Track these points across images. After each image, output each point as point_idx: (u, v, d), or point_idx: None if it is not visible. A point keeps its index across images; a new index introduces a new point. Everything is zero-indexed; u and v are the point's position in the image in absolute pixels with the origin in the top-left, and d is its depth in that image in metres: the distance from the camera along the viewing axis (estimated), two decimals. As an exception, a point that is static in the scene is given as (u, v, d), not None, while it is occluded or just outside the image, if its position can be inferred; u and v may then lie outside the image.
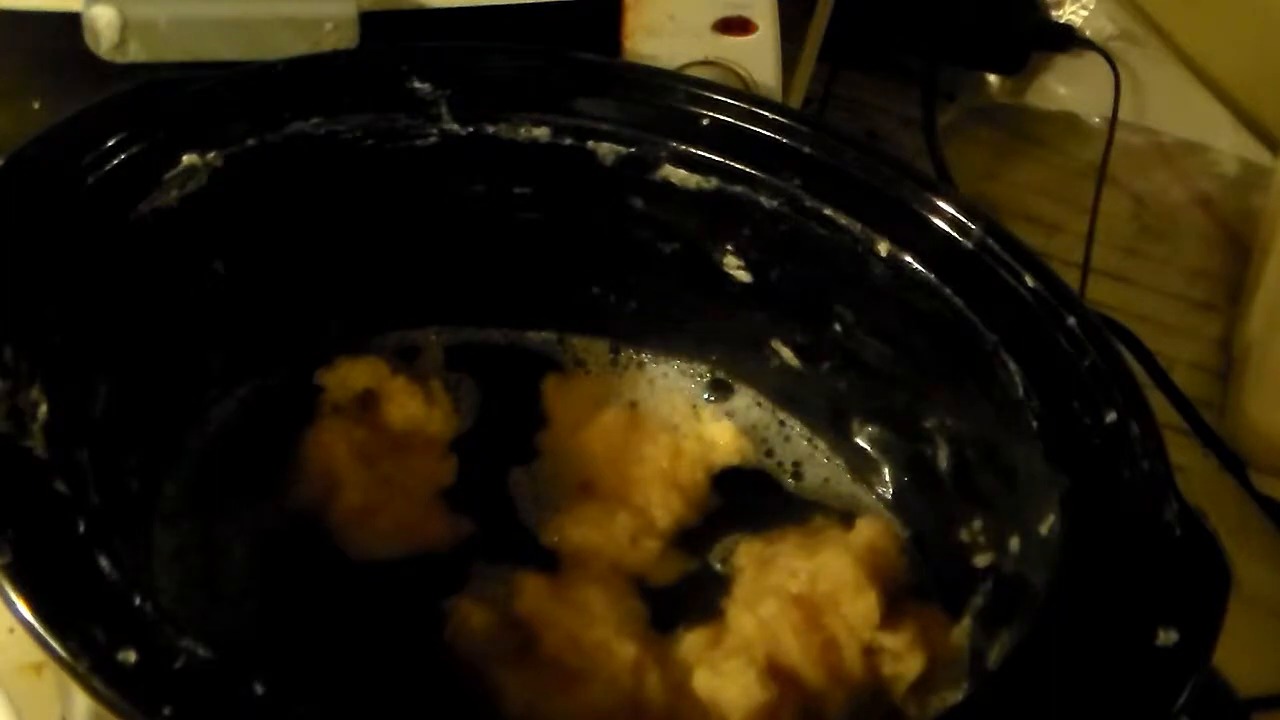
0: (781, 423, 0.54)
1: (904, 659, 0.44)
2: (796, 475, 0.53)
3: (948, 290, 0.47)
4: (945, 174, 0.76)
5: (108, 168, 0.43)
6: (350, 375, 0.50)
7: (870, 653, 0.44)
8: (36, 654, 0.33)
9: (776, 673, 0.44)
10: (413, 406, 0.50)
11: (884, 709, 0.45)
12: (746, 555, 0.48)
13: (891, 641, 0.44)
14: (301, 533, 0.47)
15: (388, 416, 0.50)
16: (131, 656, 0.31)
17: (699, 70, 0.57)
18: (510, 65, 0.51)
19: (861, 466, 0.53)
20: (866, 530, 0.47)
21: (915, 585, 0.48)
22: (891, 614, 0.45)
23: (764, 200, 0.50)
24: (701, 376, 0.55)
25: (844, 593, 0.45)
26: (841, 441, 0.53)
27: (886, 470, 0.52)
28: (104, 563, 0.33)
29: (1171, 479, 0.41)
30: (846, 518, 0.50)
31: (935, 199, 0.49)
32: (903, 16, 0.81)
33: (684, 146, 0.50)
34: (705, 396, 0.55)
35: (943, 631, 0.45)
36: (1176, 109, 0.83)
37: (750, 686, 0.43)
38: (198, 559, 0.45)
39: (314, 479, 0.48)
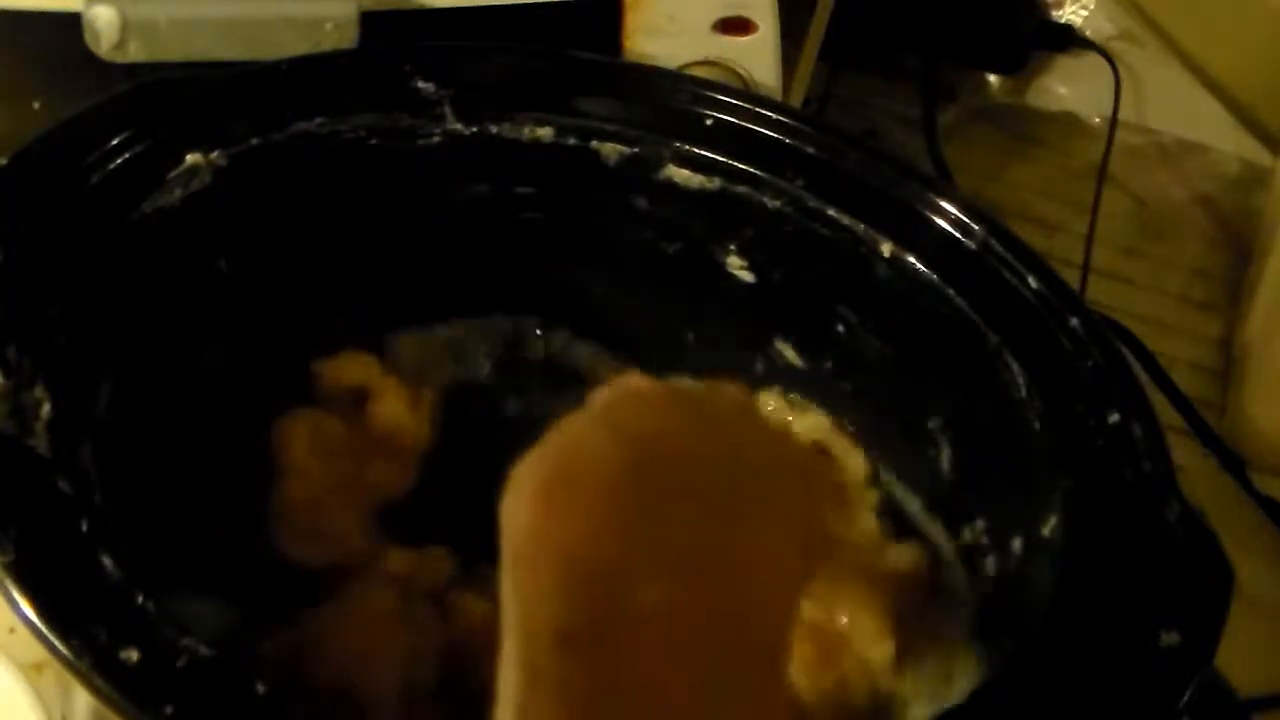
0: (787, 420, 0.54)
1: (913, 705, 0.44)
2: (801, 473, 0.53)
3: (950, 291, 0.47)
4: (945, 174, 0.76)
5: (111, 167, 0.43)
6: (345, 369, 0.50)
7: (878, 691, 0.44)
8: (38, 653, 0.33)
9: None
10: (398, 408, 0.50)
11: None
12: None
13: (903, 687, 0.44)
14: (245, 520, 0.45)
15: (371, 415, 0.50)
16: (133, 655, 0.31)
17: (699, 70, 0.57)
18: (514, 65, 0.51)
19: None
20: (893, 558, 0.47)
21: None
22: (905, 653, 0.44)
23: (767, 200, 0.50)
24: (705, 375, 0.55)
25: (861, 632, 0.44)
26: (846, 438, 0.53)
27: (892, 468, 0.52)
28: (106, 562, 0.33)
29: (1174, 480, 0.41)
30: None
31: (938, 200, 0.49)
32: (903, 16, 0.81)
33: (687, 147, 0.50)
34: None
35: (958, 665, 0.45)
36: (1176, 109, 0.83)
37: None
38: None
39: (272, 463, 0.47)
